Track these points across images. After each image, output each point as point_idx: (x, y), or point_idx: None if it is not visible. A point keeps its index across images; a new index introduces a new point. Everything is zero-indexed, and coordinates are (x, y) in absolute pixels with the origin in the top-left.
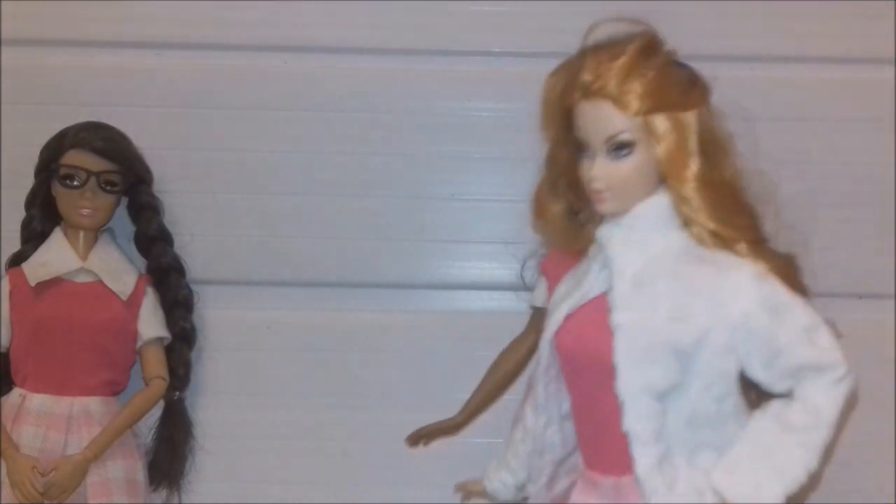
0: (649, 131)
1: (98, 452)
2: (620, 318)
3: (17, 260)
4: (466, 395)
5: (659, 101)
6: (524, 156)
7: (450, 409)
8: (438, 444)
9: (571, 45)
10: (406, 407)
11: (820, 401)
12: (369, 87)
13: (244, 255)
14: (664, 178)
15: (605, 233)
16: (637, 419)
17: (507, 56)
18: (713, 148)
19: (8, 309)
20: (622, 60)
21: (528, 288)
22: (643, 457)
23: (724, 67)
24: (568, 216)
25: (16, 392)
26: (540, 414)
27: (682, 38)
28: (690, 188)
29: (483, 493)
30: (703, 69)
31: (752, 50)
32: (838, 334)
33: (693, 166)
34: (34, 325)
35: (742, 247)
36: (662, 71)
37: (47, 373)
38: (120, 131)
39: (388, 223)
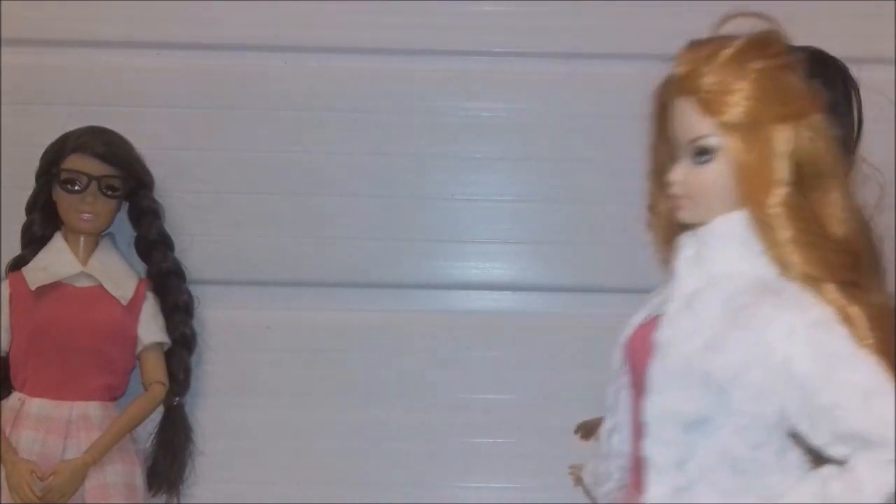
0: (733, 141)
1: (97, 457)
2: (662, 336)
3: (17, 264)
4: (467, 395)
5: (747, 108)
6: (524, 156)
7: (450, 409)
8: (437, 444)
9: (571, 45)
10: (406, 407)
11: (865, 477)
12: (369, 87)
13: (244, 255)
14: (742, 197)
15: (680, 242)
16: (656, 444)
17: (507, 56)
18: (812, 172)
19: (8, 313)
20: (719, 58)
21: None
22: (656, 485)
23: None
24: (671, 218)
25: (15, 396)
26: (609, 418)
27: (682, 39)
28: (771, 214)
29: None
30: None
31: None
32: None
33: (776, 190)
34: (34, 329)
35: (829, 287)
36: (764, 75)
37: (46, 377)
38: (121, 136)
39: (388, 223)
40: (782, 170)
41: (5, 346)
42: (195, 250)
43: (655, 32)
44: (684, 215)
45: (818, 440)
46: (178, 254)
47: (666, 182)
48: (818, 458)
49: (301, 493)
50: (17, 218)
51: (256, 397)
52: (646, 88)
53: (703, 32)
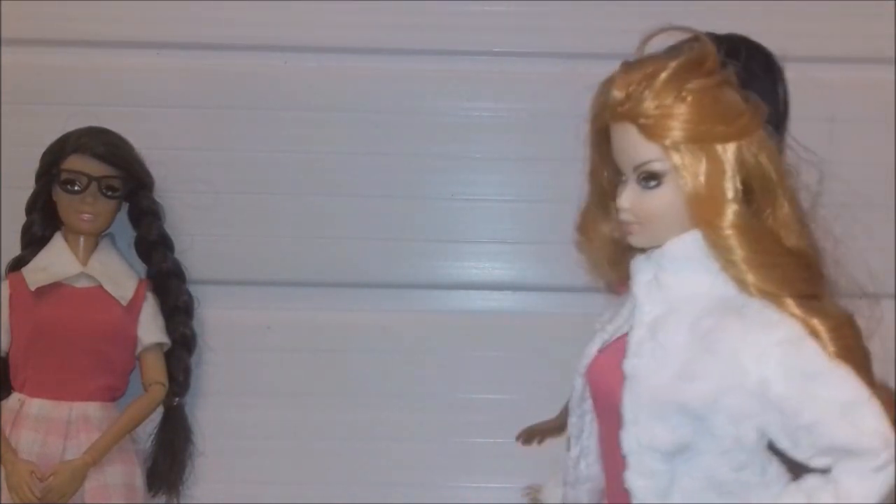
0: (678, 164)
1: (97, 457)
2: (630, 366)
3: (17, 264)
4: (467, 395)
5: (691, 131)
6: (524, 156)
7: (450, 410)
8: (437, 444)
9: (571, 45)
10: (406, 407)
11: (853, 487)
12: (369, 87)
13: (244, 255)
14: (693, 219)
15: (635, 267)
16: (639, 476)
17: (507, 56)
18: (762, 188)
19: (8, 313)
20: (656, 81)
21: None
22: None
23: None
24: (614, 239)
25: (15, 397)
26: (574, 445)
27: (682, 38)
28: (725, 235)
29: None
30: None
31: None
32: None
33: (728, 211)
34: (34, 329)
35: (789, 302)
36: (704, 95)
37: (46, 377)
38: (121, 136)
39: (388, 223)
40: (731, 189)
41: (5, 346)
42: (195, 250)
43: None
44: (636, 240)
45: (801, 455)
46: (178, 254)
47: (614, 208)
48: (795, 466)
49: (301, 493)
50: (17, 218)
51: (256, 397)
52: None
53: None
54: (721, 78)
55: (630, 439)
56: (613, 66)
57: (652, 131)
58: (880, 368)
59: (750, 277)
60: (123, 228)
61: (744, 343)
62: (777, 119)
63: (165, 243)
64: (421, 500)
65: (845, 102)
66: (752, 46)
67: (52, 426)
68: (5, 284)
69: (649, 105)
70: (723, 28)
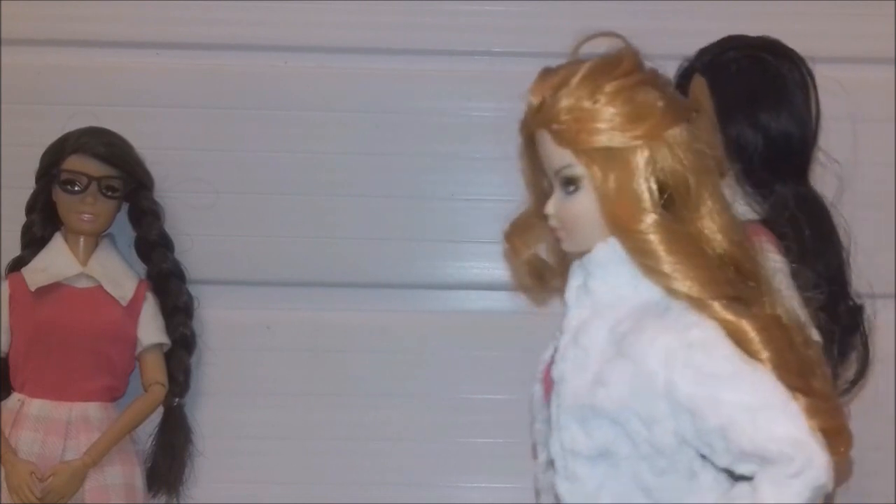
0: (588, 170)
1: (96, 458)
2: (556, 371)
3: (17, 265)
4: (467, 395)
5: (602, 136)
6: None
7: (450, 410)
8: (437, 444)
9: (571, 45)
10: (406, 407)
11: (768, 495)
12: (369, 87)
13: (244, 255)
14: (609, 226)
15: (571, 273)
16: (565, 480)
17: (507, 56)
18: (680, 189)
19: (7, 314)
20: (568, 86)
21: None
22: None
23: None
24: (537, 255)
25: (14, 397)
26: (541, 451)
27: (682, 38)
28: (641, 241)
29: None
30: None
31: None
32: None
33: (643, 216)
34: (34, 330)
35: (716, 305)
36: (616, 97)
37: (46, 378)
38: (121, 136)
39: (388, 223)
40: (645, 194)
41: (5, 347)
42: (195, 250)
43: (655, 33)
44: (566, 246)
45: (721, 462)
46: (178, 254)
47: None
48: (737, 476)
49: (301, 493)
50: (17, 218)
51: (256, 397)
52: None
53: (702, 32)
54: (639, 78)
55: (555, 444)
56: None
57: (562, 137)
58: (880, 368)
59: (672, 284)
60: (123, 228)
61: (653, 346)
62: (809, 127)
63: (165, 243)
64: (421, 500)
65: (845, 102)
66: (785, 54)
67: (51, 426)
68: (5, 285)
69: (561, 110)
70: (720, 29)
